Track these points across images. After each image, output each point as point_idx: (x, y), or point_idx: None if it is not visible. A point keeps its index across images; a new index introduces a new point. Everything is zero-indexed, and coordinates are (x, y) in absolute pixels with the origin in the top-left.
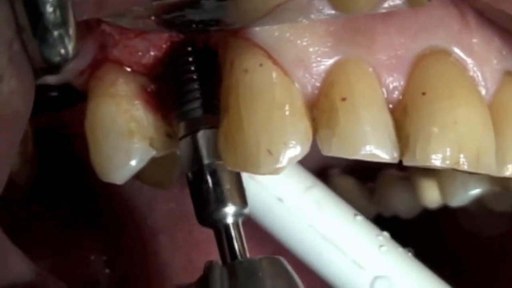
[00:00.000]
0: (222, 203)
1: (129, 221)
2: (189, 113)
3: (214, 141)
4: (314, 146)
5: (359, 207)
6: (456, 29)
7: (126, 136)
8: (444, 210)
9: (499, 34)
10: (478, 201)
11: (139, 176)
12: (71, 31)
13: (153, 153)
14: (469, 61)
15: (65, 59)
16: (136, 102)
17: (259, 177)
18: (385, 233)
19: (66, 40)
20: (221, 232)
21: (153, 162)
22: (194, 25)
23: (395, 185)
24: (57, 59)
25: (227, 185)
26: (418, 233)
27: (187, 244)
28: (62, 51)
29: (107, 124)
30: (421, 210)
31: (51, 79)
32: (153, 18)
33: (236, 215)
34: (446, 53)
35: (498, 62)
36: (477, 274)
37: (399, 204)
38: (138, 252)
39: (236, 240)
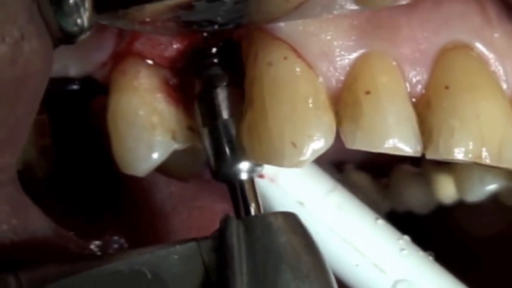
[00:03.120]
0: (237, 158)
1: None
2: (207, 70)
3: (230, 98)
4: None
5: (373, 203)
6: (477, 24)
7: (148, 129)
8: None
9: None
10: (494, 197)
11: (160, 168)
12: (87, 1)
13: (175, 146)
14: (490, 56)
15: (81, 29)
16: (158, 95)
17: (280, 181)
18: (406, 237)
19: (82, 10)
20: (236, 188)
21: (174, 155)
22: (214, 26)
23: (409, 180)
24: (72, 28)
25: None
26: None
27: (186, 228)
28: (78, 20)
29: (130, 117)
30: (436, 206)
31: (72, 72)
32: (168, 17)
33: (251, 171)
34: (468, 47)
35: None
36: (491, 267)
37: (414, 199)
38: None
39: (250, 196)
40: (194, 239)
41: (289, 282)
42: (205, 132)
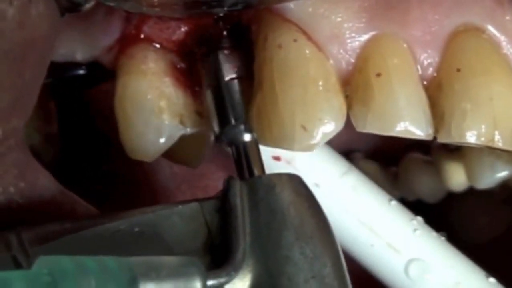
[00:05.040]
0: (240, 120)
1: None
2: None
3: (233, 60)
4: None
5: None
6: (489, 6)
7: (156, 113)
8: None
9: None
10: (504, 185)
11: (168, 154)
12: None
13: (182, 130)
14: (502, 38)
15: None
16: (166, 79)
17: (296, 163)
18: (419, 218)
19: None
20: (240, 150)
21: (182, 140)
22: (223, 7)
23: (419, 169)
24: None
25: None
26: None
27: None
28: None
29: (138, 101)
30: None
31: (79, 56)
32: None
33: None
34: (479, 30)
35: None
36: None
37: (423, 188)
38: None
39: (254, 158)
40: (197, 200)
41: (293, 243)
42: (208, 94)
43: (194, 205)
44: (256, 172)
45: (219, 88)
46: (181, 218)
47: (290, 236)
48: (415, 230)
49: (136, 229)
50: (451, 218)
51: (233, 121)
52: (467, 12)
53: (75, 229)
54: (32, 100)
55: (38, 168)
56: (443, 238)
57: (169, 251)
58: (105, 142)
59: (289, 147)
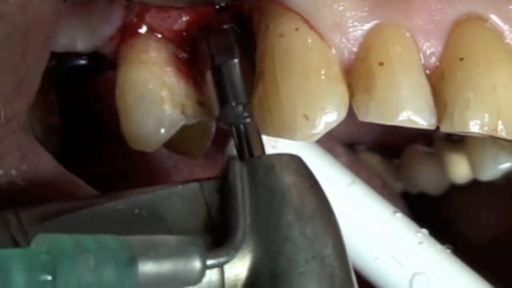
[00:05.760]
0: (241, 100)
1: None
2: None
3: (234, 41)
4: (340, 123)
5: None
6: None
7: (157, 103)
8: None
9: None
10: (507, 176)
11: (169, 144)
12: None
13: (184, 121)
14: (505, 27)
15: None
16: (168, 69)
17: None
18: (424, 230)
19: None
20: (240, 131)
21: (183, 130)
22: None
23: (421, 161)
24: None
25: (246, 84)
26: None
27: None
28: None
29: (139, 91)
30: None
31: (80, 46)
32: None
33: None
34: (482, 19)
35: None
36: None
37: (426, 180)
38: None
39: (255, 139)
40: (197, 180)
41: (293, 223)
42: (208, 75)
43: (194, 185)
44: (256, 153)
45: (219, 69)
46: (180, 198)
47: (290, 216)
48: (420, 243)
49: (135, 209)
50: (454, 214)
51: (233, 102)
52: (470, 1)
53: (74, 209)
54: (35, 84)
55: (41, 151)
56: (448, 251)
57: (168, 231)
58: (104, 127)
59: (291, 137)
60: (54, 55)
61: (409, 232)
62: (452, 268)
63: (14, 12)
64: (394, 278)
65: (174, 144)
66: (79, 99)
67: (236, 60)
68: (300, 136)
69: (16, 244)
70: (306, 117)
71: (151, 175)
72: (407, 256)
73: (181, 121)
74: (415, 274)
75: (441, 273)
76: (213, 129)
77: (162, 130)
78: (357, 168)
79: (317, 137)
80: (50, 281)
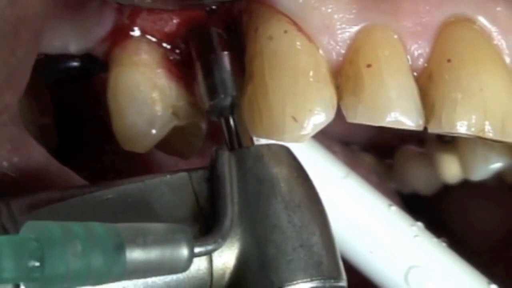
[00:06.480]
0: (229, 92)
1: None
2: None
3: (223, 34)
4: (333, 123)
5: None
6: None
7: (149, 105)
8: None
9: None
10: (498, 176)
11: (160, 145)
12: None
13: (175, 122)
14: (493, 29)
15: None
16: (159, 70)
17: None
18: (419, 224)
19: None
20: (229, 121)
21: (174, 131)
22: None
23: (413, 161)
24: None
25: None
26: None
27: None
28: None
29: (131, 93)
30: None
31: (72, 48)
32: None
33: None
34: (470, 21)
35: None
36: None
37: (418, 180)
38: None
39: (244, 130)
40: (186, 170)
41: (281, 212)
42: (198, 67)
43: (183, 174)
44: (245, 143)
45: (208, 61)
46: (169, 187)
47: (278, 205)
48: (415, 236)
49: (125, 198)
50: (447, 214)
51: (222, 94)
52: (458, 3)
53: (64, 198)
54: (25, 77)
55: (33, 144)
56: (444, 244)
57: (157, 220)
58: (103, 126)
59: (280, 138)
60: (47, 57)
61: (404, 225)
62: (448, 262)
63: (4, 6)
64: (390, 272)
65: (165, 144)
66: (78, 99)
67: (225, 53)
68: (288, 137)
69: (5, 232)
70: (294, 118)
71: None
72: (402, 249)
73: (173, 122)
74: (410, 268)
75: (436, 266)
76: (205, 129)
77: (154, 131)
78: (354, 166)
79: (305, 138)
80: (38, 267)
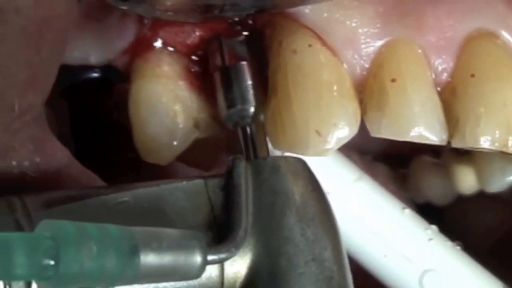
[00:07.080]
0: (247, 102)
1: None
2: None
3: (242, 44)
4: None
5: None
6: (502, 12)
7: (170, 117)
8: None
9: None
10: None
11: (182, 157)
12: None
13: (196, 134)
14: None
15: None
16: (181, 82)
17: None
18: (433, 227)
19: None
20: (246, 131)
21: (196, 143)
22: (236, 11)
23: (428, 171)
24: None
25: (252, 85)
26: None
27: None
28: None
29: (152, 104)
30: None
31: (93, 59)
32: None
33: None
34: (493, 35)
35: None
36: None
37: (433, 190)
38: None
39: (261, 140)
40: (202, 177)
41: (294, 224)
42: (216, 76)
43: (198, 181)
44: (261, 154)
45: (227, 70)
46: (184, 193)
47: (292, 217)
48: (429, 239)
49: (140, 202)
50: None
51: (239, 104)
52: (481, 17)
53: (79, 198)
54: (50, 79)
55: (56, 145)
56: (458, 247)
57: (171, 225)
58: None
59: (303, 152)
60: (67, 68)
61: (418, 228)
62: (462, 265)
63: (28, 6)
64: (404, 276)
65: (187, 156)
66: (100, 107)
67: (244, 62)
68: (312, 151)
69: (20, 228)
70: (318, 133)
71: None
72: (416, 253)
73: (194, 134)
74: (425, 271)
75: (451, 270)
76: (225, 142)
77: (175, 143)
78: (372, 174)
79: (329, 152)
80: (52, 265)
